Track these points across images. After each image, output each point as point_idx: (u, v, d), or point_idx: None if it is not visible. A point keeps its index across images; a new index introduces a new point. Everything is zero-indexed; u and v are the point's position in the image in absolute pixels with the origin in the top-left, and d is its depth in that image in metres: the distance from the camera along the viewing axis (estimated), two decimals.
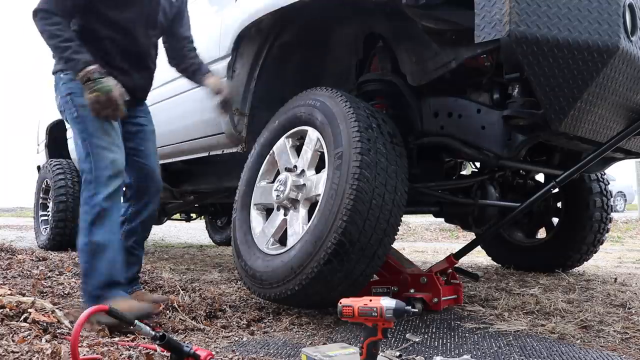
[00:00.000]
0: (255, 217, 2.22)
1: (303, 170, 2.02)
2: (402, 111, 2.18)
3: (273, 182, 2.18)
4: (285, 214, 2.06)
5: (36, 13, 1.81)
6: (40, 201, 5.06)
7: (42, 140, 5.38)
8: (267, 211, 2.21)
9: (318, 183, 1.94)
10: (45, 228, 4.88)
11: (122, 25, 1.93)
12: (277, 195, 2.04)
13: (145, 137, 2.13)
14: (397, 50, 2.13)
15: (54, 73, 1.99)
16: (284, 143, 2.15)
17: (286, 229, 2.04)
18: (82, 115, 1.85)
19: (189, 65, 2.24)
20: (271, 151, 2.21)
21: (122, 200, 2.04)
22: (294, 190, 2.00)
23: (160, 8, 2.06)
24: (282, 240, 2.08)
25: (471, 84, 2.18)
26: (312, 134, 2.02)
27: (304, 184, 1.99)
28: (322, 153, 1.97)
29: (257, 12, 2.24)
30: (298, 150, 2.13)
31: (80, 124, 1.87)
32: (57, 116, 4.99)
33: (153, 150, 2.16)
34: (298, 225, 1.97)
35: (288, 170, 2.06)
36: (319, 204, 1.86)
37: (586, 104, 1.69)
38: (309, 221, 1.92)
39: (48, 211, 4.95)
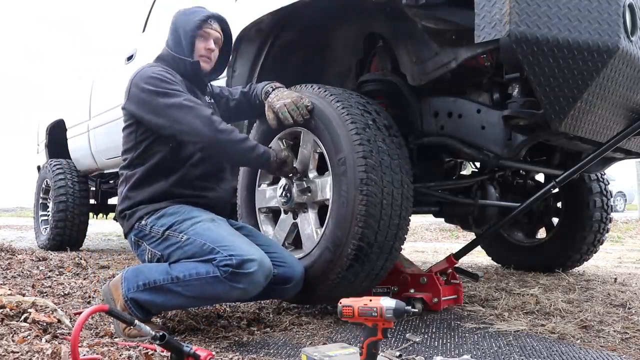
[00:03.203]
0: (263, 221, 2.21)
1: (304, 173, 2.02)
2: (402, 111, 2.18)
3: (272, 183, 2.17)
4: (294, 217, 2.06)
5: (219, 133, 1.76)
6: (40, 201, 5.06)
7: (42, 140, 5.38)
8: (274, 213, 2.21)
9: (324, 187, 1.94)
10: (45, 228, 4.88)
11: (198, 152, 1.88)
12: (284, 202, 2.03)
13: (252, 234, 1.96)
14: (397, 50, 2.13)
15: (127, 233, 1.88)
16: (277, 145, 2.11)
17: (298, 231, 2.05)
18: (195, 232, 1.72)
19: (252, 99, 2.12)
20: None
21: None
22: (300, 195, 1.99)
23: (220, 114, 2.06)
24: (295, 241, 2.09)
25: (471, 84, 2.18)
26: (307, 136, 1.99)
27: (309, 187, 1.99)
28: (321, 154, 1.96)
29: (257, 12, 2.24)
30: (293, 149, 2.10)
31: (195, 239, 1.71)
32: (57, 116, 5.00)
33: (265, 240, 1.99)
34: (311, 229, 1.97)
35: None
36: (329, 209, 1.86)
37: (586, 104, 1.69)
38: (320, 225, 1.93)
39: (48, 211, 4.95)
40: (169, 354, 1.30)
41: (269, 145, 2.11)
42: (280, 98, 1.96)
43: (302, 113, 1.92)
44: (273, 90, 2.02)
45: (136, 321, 1.32)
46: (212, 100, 2.10)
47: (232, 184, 2.10)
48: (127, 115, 1.91)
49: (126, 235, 1.91)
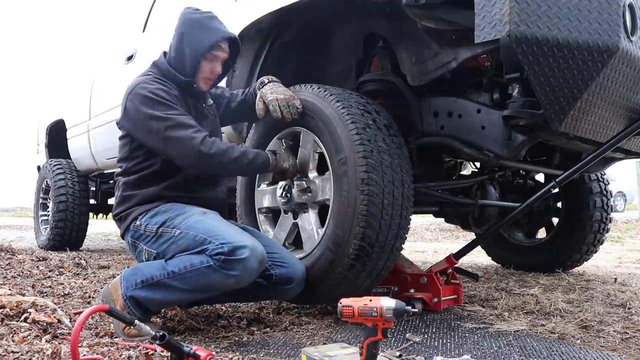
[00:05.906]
0: (263, 222, 2.21)
1: (304, 173, 2.01)
2: (402, 111, 2.18)
3: (272, 183, 2.17)
4: (295, 217, 2.06)
5: (208, 158, 1.76)
6: (40, 201, 5.06)
7: (42, 140, 5.38)
8: (273, 213, 2.21)
9: (324, 187, 1.94)
10: (45, 228, 4.88)
11: None
12: (284, 202, 2.03)
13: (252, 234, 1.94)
14: (397, 50, 2.13)
15: (123, 234, 1.92)
16: (277, 145, 2.11)
17: (298, 231, 2.04)
18: (187, 225, 1.73)
19: (251, 101, 2.12)
20: None
21: None
22: (300, 195, 1.99)
23: (218, 119, 2.08)
24: (295, 241, 2.09)
25: (471, 84, 2.18)
26: (307, 136, 1.99)
27: (309, 187, 1.99)
28: (321, 153, 1.96)
29: (257, 12, 2.24)
30: (293, 149, 2.10)
31: (188, 233, 1.72)
32: (57, 116, 5.00)
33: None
34: (312, 229, 1.97)
35: None
36: (330, 210, 1.86)
37: (586, 104, 1.69)
38: (321, 224, 1.93)
39: (48, 211, 4.95)
40: (169, 354, 1.30)
41: (269, 146, 2.11)
42: (274, 92, 1.98)
43: (291, 112, 1.95)
44: (268, 82, 2.04)
45: (136, 321, 1.32)
46: (213, 103, 2.08)
47: (227, 185, 2.10)
48: (123, 130, 1.92)
49: (123, 237, 1.93)
